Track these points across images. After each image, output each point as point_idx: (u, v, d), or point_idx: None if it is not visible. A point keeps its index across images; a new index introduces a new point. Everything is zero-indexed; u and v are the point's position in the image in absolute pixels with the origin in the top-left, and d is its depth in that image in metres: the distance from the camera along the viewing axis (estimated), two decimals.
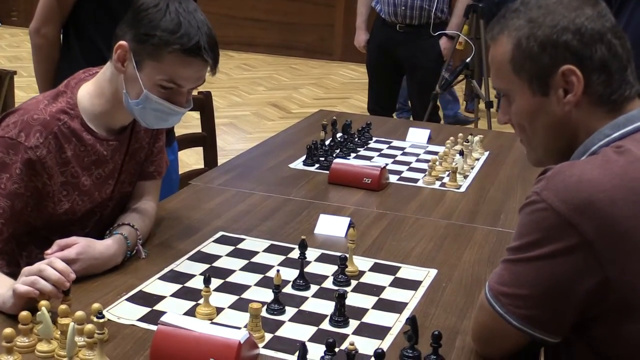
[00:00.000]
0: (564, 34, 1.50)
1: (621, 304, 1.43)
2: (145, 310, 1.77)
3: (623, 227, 1.40)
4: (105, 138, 2.04)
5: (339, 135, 3.10)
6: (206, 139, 3.45)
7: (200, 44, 1.90)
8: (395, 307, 1.86)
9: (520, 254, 1.48)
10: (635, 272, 1.41)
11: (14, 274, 1.90)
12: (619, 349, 1.46)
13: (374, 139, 3.25)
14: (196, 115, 3.39)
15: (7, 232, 1.91)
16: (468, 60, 4.60)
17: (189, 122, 3.77)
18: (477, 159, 3.03)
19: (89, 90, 2.03)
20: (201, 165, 3.44)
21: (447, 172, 2.79)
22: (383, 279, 1.99)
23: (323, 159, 2.87)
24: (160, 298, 1.83)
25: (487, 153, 3.12)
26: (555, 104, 1.54)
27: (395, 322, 1.78)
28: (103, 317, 1.55)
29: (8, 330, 1.52)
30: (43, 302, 1.62)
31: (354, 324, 1.77)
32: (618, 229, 1.40)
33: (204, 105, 3.40)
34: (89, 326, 1.53)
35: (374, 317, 1.81)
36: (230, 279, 1.96)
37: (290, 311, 1.81)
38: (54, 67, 2.77)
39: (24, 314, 1.58)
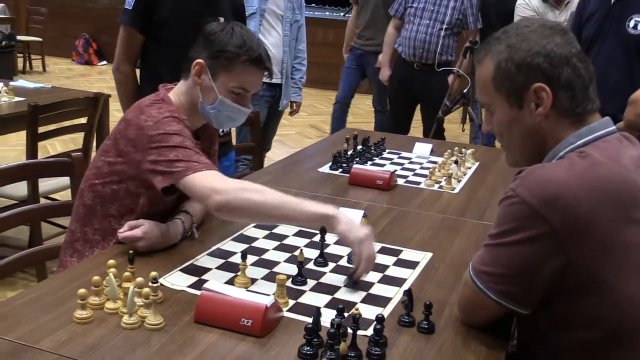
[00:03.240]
0: (536, 58, 1.45)
1: (579, 283, 1.37)
2: (194, 279, 1.71)
3: (584, 219, 1.34)
4: (193, 140, 1.99)
5: (359, 147, 3.04)
6: (255, 149, 3.41)
7: (262, 55, 1.94)
8: (396, 282, 1.78)
9: (498, 240, 1.42)
10: (592, 257, 1.35)
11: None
12: (575, 320, 1.40)
13: (387, 150, 3.17)
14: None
15: None
16: (465, 91, 4.52)
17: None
18: (469, 168, 2.94)
19: (173, 100, 2.01)
20: None
21: (444, 177, 2.71)
22: (388, 260, 1.92)
23: (345, 165, 2.81)
24: (207, 270, 1.77)
25: (477, 163, 3.04)
26: (528, 115, 1.48)
27: (395, 294, 1.71)
28: (157, 282, 1.50)
29: (82, 291, 1.48)
30: (111, 270, 1.57)
31: (361, 294, 1.70)
32: (579, 220, 1.34)
33: (254, 122, 3.36)
34: (146, 289, 1.48)
35: (378, 290, 1.73)
36: (264, 256, 1.89)
37: (311, 283, 1.74)
38: (133, 96, 2.74)
39: (96, 278, 1.53)
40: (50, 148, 5.74)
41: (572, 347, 1.42)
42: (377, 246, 1.96)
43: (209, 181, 1.76)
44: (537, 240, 1.36)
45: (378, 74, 5.25)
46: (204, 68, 1.95)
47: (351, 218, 1.75)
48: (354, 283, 1.73)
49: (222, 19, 2.70)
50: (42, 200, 3.71)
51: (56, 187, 3.60)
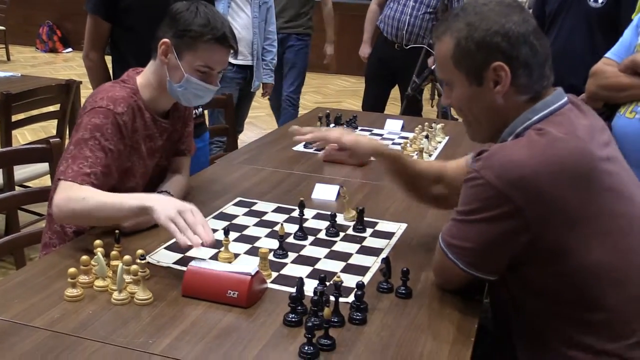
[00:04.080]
0: (495, 37, 1.48)
1: (544, 255, 1.44)
2: (179, 255, 1.77)
3: (547, 196, 1.40)
4: (158, 120, 2.07)
5: (331, 125, 3.09)
6: (229, 130, 3.45)
7: (226, 34, 1.97)
8: (374, 251, 1.86)
9: (465, 217, 1.49)
10: (556, 231, 1.42)
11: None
12: (543, 285, 1.47)
13: (359, 128, 3.24)
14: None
15: (100, 183, 1.85)
16: (433, 67, 4.57)
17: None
18: (440, 142, 3.02)
19: (140, 81, 2.06)
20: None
21: (416, 152, 2.78)
22: (365, 231, 1.99)
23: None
24: (191, 247, 1.81)
25: (447, 137, 3.11)
26: (488, 93, 1.52)
27: (373, 263, 1.78)
28: (144, 259, 1.55)
29: (72, 270, 1.53)
30: (99, 249, 1.62)
31: (340, 264, 1.77)
32: (543, 197, 1.40)
33: (227, 104, 3.40)
34: (134, 266, 1.53)
35: (357, 260, 1.81)
36: (245, 232, 1.95)
37: (292, 256, 1.81)
38: (103, 82, 2.76)
39: (84, 257, 1.58)
40: (20, 137, 5.70)
41: (540, 308, 1.49)
42: (351, 222, 2.03)
43: (58, 192, 1.81)
44: (503, 219, 1.42)
45: (299, 58, 5.06)
46: (169, 47, 1.98)
47: (161, 199, 1.71)
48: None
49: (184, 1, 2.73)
50: (17, 189, 3.73)
51: (31, 174, 3.61)
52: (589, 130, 1.50)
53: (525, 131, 1.50)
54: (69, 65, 9.47)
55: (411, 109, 4.70)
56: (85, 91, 3.27)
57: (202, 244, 1.59)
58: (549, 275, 1.45)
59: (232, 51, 2.02)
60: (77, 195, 1.78)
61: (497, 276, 1.51)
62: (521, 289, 1.51)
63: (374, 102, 4.90)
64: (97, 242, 1.66)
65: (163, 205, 1.66)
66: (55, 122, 3.85)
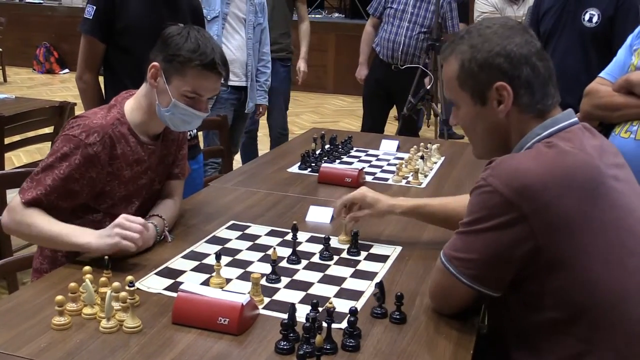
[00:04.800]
0: (497, 58, 1.53)
1: (547, 266, 1.43)
2: (169, 281, 1.74)
3: (552, 206, 1.41)
4: (145, 142, 2.05)
5: (326, 146, 3.08)
6: (224, 151, 3.43)
7: (215, 61, 1.94)
8: (368, 275, 1.83)
9: (471, 227, 1.48)
10: (560, 241, 1.42)
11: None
12: (544, 300, 1.46)
13: (355, 148, 3.22)
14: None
15: (61, 205, 1.93)
16: (428, 87, 4.57)
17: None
18: (435, 162, 3.00)
19: (131, 104, 2.05)
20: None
21: (411, 173, 2.77)
22: (359, 255, 1.96)
23: (314, 164, 2.85)
24: (182, 272, 1.80)
25: (442, 158, 3.10)
26: (491, 112, 1.56)
27: (367, 287, 1.76)
28: (133, 286, 1.53)
29: (60, 297, 1.50)
30: (87, 275, 1.59)
31: (334, 289, 1.74)
32: (548, 206, 1.41)
33: (222, 125, 3.38)
34: (123, 293, 1.51)
35: (351, 284, 1.78)
36: (238, 256, 1.93)
37: (285, 280, 1.78)
38: (97, 104, 2.75)
39: (72, 284, 1.56)
40: (16, 159, 5.69)
41: (540, 326, 1.47)
42: (345, 244, 2.00)
43: (8, 209, 1.92)
44: (508, 226, 1.42)
45: (283, 85, 4.91)
46: (158, 71, 1.97)
47: (98, 233, 1.83)
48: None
49: (180, 25, 2.73)
50: None
51: None
52: (598, 149, 1.53)
53: (534, 145, 1.53)
54: (65, 87, 9.49)
55: (407, 128, 4.70)
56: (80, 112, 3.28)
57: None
58: (551, 291, 1.44)
59: (222, 78, 1.99)
60: (25, 220, 1.88)
61: (500, 292, 1.50)
62: (522, 305, 1.50)
63: (373, 123, 4.91)
64: (86, 268, 1.63)
65: (97, 238, 1.80)
66: (49, 144, 3.83)
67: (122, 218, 1.81)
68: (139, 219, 1.85)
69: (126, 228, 1.79)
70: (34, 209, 1.88)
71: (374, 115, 4.97)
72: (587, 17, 3.23)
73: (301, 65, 4.99)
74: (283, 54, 4.85)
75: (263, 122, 4.94)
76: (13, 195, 3.30)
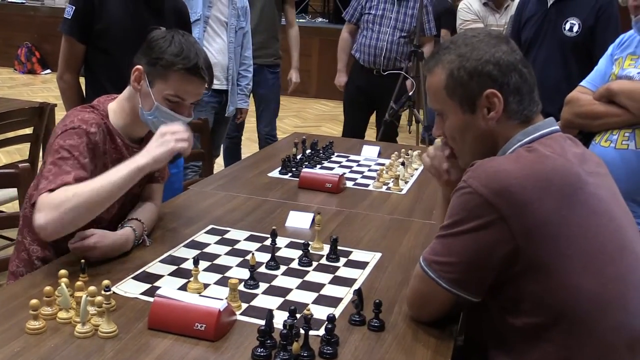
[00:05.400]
0: (487, 65, 1.54)
1: (526, 269, 1.43)
2: (146, 286, 1.72)
3: (530, 208, 1.41)
4: (129, 145, 2.04)
5: (307, 151, 3.07)
6: (204, 155, 3.41)
7: (199, 65, 1.93)
8: (347, 282, 1.82)
9: (450, 230, 1.48)
10: (538, 244, 1.42)
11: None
12: (522, 305, 1.46)
13: (336, 154, 3.21)
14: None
15: None
16: (410, 93, 4.57)
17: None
18: (416, 169, 3.00)
19: (113, 107, 2.03)
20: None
21: (392, 179, 2.77)
22: (338, 261, 1.95)
23: (295, 169, 2.84)
24: (159, 277, 1.78)
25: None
26: (481, 120, 1.56)
27: (346, 294, 1.75)
28: (109, 290, 1.51)
29: (34, 301, 1.47)
30: (63, 279, 1.57)
31: (312, 295, 1.73)
32: (526, 208, 1.41)
33: (203, 128, 3.36)
34: (98, 298, 1.49)
35: (329, 290, 1.77)
36: (217, 261, 1.91)
37: (263, 286, 1.76)
38: (77, 104, 2.73)
39: (47, 288, 1.54)
40: None
41: (519, 331, 1.47)
42: (328, 248, 1.99)
43: (36, 212, 1.76)
44: (487, 227, 1.42)
45: (273, 92, 4.85)
46: (142, 74, 1.96)
47: (147, 148, 1.85)
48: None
49: (163, 29, 2.71)
50: None
51: (1, 199, 3.54)
52: (580, 157, 1.54)
53: (515, 150, 1.54)
54: (47, 87, 9.40)
55: (388, 134, 4.69)
56: (61, 113, 3.24)
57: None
58: (529, 295, 1.44)
59: (205, 83, 1.98)
60: (64, 196, 1.75)
61: (480, 297, 1.50)
62: (501, 310, 1.50)
63: (354, 130, 4.87)
64: (62, 272, 1.61)
65: (153, 149, 1.83)
66: (29, 145, 3.79)
67: (164, 127, 1.87)
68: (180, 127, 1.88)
69: (173, 131, 1.84)
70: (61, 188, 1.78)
71: (355, 121, 4.93)
72: (567, 26, 3.26)
73: (293, 75, 4.95)
74: (271, 59, 4.77)
75: (252, 126, 4.90)
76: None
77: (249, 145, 5.39)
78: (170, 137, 1.84)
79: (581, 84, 2.51)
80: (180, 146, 1.84)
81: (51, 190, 1.77)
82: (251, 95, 4.55)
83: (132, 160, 1.83)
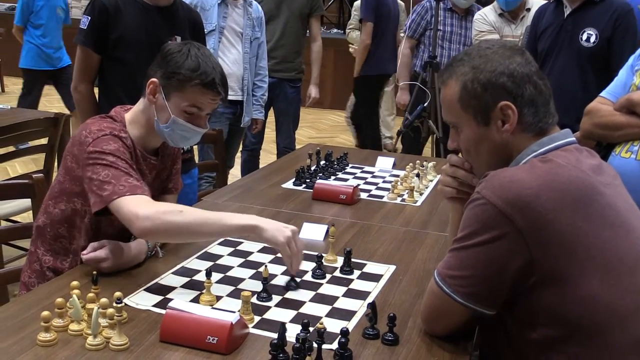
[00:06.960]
0: (501, 77, 1.52)
1: (542, 281, 1.41)
2: (158, 298, 1.71)
3: (545, 218, 1.39)
4: (147, 155, 2.03)
5: (322, 162, 3.06)
6: (218, 166, 3.41)
7: (215, 80, 1.93)
8: (360, 295, 1.80)
9: (464, 242, 1.46)
10: (554, 255, 1.40)
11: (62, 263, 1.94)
12: (538, 317, 1.43)
13: (350, 165, 3.20)
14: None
15: None
16: (425, 104, 4.55)
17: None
18: (431, 180, 2.98)
19: (129, 118, 2.03)
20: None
21: (406, 191, 2.75)
22: (352, 273, 1.93)
23: (309, 180, 2.82)
24: (172, 288, 1.77)
25: (439, 176, 3.06)
26: (495, 132, 1.54)
27: (359, 307, 1.72)
28: (121, 302, 1.49)
29: (46, 313, 1.46)
30: (75, 291, 1.56)
31: (326, 308, 1.71)
32: (541, 219, 1.39)
33: (217, 139, 3.36)
34: (110, 310, 1.48)
35: (343, 303, 1.75)
36: (229, 273, 1.90)
37: (276, 299, 1.75)
38: (92, 114, 2.74)
39: (59, 300, 1.52)
40: (11, 170, 5.66)
41: (535, 344, 1.45)
42: (342, 260, 1.97)
43: (132, 206, 1.75)
44: (502, 239, 1.40)
45: (293, 106, 4.82)
46: (157, 87, 1.96)
47: (272, 221, 1.78)
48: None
49: (178, 38, 2.71)
50: (3, 223, 3.67)
51: (16, 209, 3.56)
52: (595, 168, 1.52)
53: (529, 160, 1.52)
54: None
55: (407, 145, 4.67)
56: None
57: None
58: (545, 307, 1.42)
59: (220, 97, 1.97)
60: (172, 208, 1.79)
61: (495, 310, 1.47)
62: (516, 323, 1.47)
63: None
64: (74, 283, 1.60)
65: (273, 225, 1.75)
66: (44, 155, 3.80)
67: (294, 233, 1.77)
68: (302, 248, 1.81)
69: (292, 246, 1.76)
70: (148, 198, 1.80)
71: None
72: (584, 36, 3.23)
73: (312, 91, 4.93)
74: (292, 74, 4.73)
75: (270, 137, 4.88)
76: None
77: (267, 157, 5.37)
78: (287, 232, 1.75)
79: (601, 94, 2.47)
80: (293, 267, 1.78)
81: (131, 194, 1.77)
82: (270, 107, 4.56)
83: (246, 217, 1.78)
